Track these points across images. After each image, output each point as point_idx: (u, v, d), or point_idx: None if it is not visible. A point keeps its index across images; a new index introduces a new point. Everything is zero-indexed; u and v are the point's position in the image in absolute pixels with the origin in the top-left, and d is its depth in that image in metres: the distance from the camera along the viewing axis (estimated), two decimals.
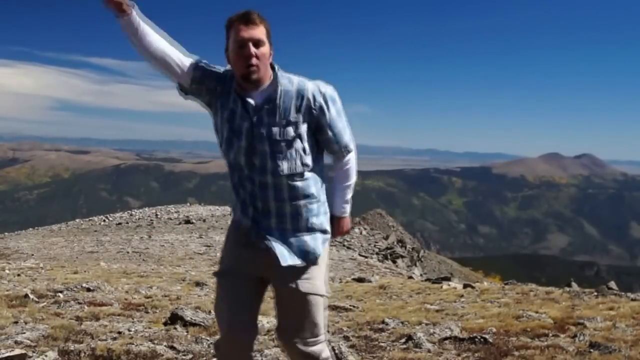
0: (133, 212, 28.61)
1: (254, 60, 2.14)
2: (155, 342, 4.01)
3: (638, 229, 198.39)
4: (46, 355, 3.43)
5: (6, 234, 24.11)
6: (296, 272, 2.25)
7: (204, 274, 10.02)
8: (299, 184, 2.25)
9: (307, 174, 2.26)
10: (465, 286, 8.84)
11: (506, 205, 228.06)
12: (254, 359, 2.47)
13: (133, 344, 3.87)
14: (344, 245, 20.02)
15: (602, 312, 5.50)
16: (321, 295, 2.30)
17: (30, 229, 25.92)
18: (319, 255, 2.30)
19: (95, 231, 22.53)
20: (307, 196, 2.27)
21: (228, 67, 2.26)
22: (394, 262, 19.87)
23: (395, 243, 23.60)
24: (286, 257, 2.21)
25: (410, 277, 14.31)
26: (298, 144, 2.22)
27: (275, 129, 2.19)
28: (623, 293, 7.17)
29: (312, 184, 2.29)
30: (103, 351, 3.61)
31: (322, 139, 2.29)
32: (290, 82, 2.22)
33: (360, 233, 23.20)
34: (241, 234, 2.29)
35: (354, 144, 2.37)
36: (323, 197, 2.34)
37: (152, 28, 2.24)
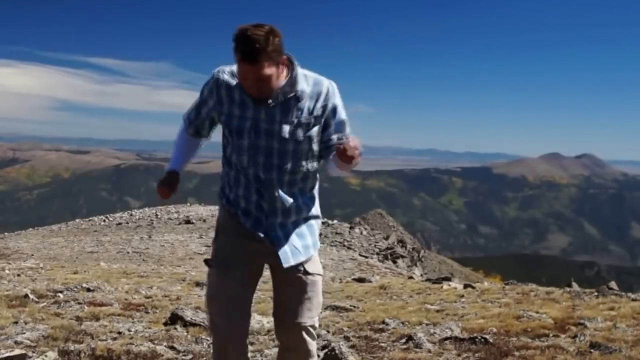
0: (133, 212, 28.59)
1: (262, 94, 2.15)
2: (155, 342, 4.01)
3: (638, 229, 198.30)
4: (46, 356, 3.42)
5: (6, 234, 24.10)
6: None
7: (204, 274, 10.00)
8: (303, 182, 2.30)
9: (310, 173, 2.31)
10: (465, 286, 8.83)
11: (507, 205, 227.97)
12: (249, 354, 2.48)
13: (133, 344, 3.86)
14: (344, 246, 20.02)
15: (602, 312, 5.49)
16: (322, 276, 2.40)
17: (30, 229, 25.90)
18: (318, 247, 2.40)
19: (95, 231, 22.52)
20: (310, 193, 2.36)
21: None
22: (395, 262, 19.86)
23: (395, 243, 23.59)
24: (289, 259, 2.27)
25: (411, 277, 14.30)
26: (306, 145, 2.24)
27: (286, 128, 2.19)
28: (623, 293, 7.16)
29: (314, 181, 2.37)
30: (103, 351, 3.61)
31: (325, 139, 2.31)
32: (306, 80, 2.22)
33: (361, 233, 23.19)
34: (238, 224, 2.32)
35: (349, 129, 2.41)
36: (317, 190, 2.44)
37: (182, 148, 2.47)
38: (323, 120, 2.25)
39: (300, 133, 2.21)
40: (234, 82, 2.22)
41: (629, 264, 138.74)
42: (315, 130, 2.24)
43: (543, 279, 41.53)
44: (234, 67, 2.21)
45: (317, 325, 2.39)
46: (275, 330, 2.46)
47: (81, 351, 3.59)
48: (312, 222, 2.38)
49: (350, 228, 23.84)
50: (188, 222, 23.36)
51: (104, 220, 26.11)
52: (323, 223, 23.44)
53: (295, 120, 2.19)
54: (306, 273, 2.31)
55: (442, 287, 8.61)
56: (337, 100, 2.27)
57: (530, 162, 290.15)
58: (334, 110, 2.26)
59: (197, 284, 8.14)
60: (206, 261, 2.46)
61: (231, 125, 2.24)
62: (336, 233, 22.09)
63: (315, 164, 2.31)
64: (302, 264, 2.30)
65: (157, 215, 26.27)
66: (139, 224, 23.97)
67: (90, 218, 28.00)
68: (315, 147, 2.27)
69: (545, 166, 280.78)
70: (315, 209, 2.40)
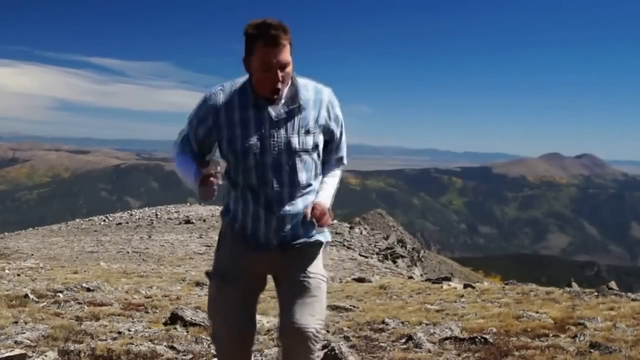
0: (133, 212, 28.59)
1: (280, 85, 2.10)
2: (155, 342, 4.01)
3: (638, 229, 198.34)
4: (46, 355, 3.42)
5: (6, 234, 24.10)
6: (304, 261, 2.27)
7: (204, 274, 10.01)
8: (312, 194, 2.26)
9: (316, 183, 2.29)
10: (465, 286, 8.83)
11: (506, 205, 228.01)
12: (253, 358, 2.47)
13: (133, 344, 3.86)
14: (344, 245, 20.01)
15: (602, 312, 5.49)
16: (327, 280, 2.35)
17: (30, 228, 25.90)
18: (326, 239, 2.33)
19: (95, 231, 22.52)
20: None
21: (238, 79, 2.20)
22: (394, 262, 19.85)
23: (395, 243, 23.59)
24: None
25: (411, 277, 14.29)
26: (315, 154, 2.23)
27: (295, 139, 2.16)
28: (623, 293, 7.16)
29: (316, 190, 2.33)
30: (103, 351, 3.61)
31: (326, 148, 2.30)
32: (306, 89, 2.20)
33: (361, 233, 23.19)
34: (239, 236, 2.27)
35: (347, 160, 2.42)
36: None
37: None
38: (328, 129, 2.26)
39: (309, 142, 2.18)
40: (231, 100, 2.17)
41: (629, 264, 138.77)
42: (321, 138, 2.23)
43: (543, 279, 41.59)
44: (226, 84, 2.19)
45: (321, 329, 2.29)
46: (278, 334, 2.41)
47: (81, 351, 3.59)
48: (325, 230, 2.35)
49: (350, 228, 23.84)
50: (188, 222, 23.36)
51: (104, 220, 26.11)
52: None
53: (302, 131, 2.17)
54: (309, 276, 2.26)
55: (442, 287, 8.61)
56: (337, 108, 2.29)
57: (530, 162, 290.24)
58: (336, 118, 2.28)
59: (197, 284, 8.14)
60: (207, 273, 2.44)
61: (235, 148, 2.17)
62: (336, 233, 22.08)
63: (320, 173, 2.31)
64: (306, 269, 2.26)
65: (157, 215, 26.27)
66: (139, 224, 23.97)
67: (90, 218, 28.00)
68: (321, 156, 2.27)
69: (545, 166, 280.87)
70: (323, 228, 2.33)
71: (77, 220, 28.01)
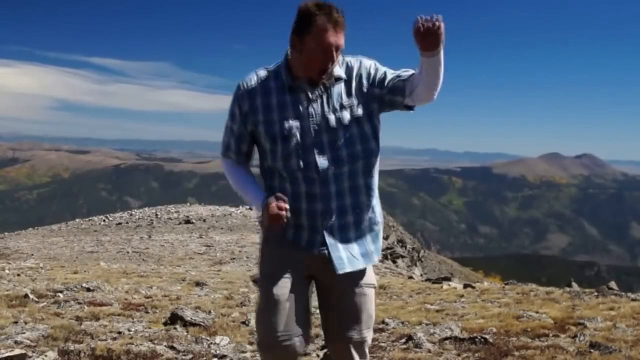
0: (133, 212, 28.58)
1: (330, 66, 2.09)
2: (155, 342, 4.01)
3: (638, 229, 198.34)
4: (46, 355, 3.42)
5: (6, 233, 24.08)
6: (355, 272, 2.19)
7: (204, 274, 10.02)
8: (363, 175, 2.17)
9: (368, 162, 2.19)
10: (465, 286, 8.83)
11: (506, 205, 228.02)
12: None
13: (133, 344, 3.87)
14: None
15: (602, 312, 5.49)
16: (375, 286, 2.27)
17: (30, 228, 25.88)
18: (379, 254, 2.26)
19: (95, 231, 22.51)
20: (368, 190, 2.21)
21: (269, 66, 2.19)
22: (394, 262, 19.86)
23: (395, 243, 23.60)
24: (344, 265, 2.14)
25: (411, 277, 14.29)
26: (355, 129, 2.15)
27: (332, 117, 2.12)
28: (623, 293, 7.16)
29: (372, 175, 2.22)
30: (103, 351, 3.61)
31: (390, 88, 2.14)
32: (340, 65, 2.16)
33: None
34: (281, 235, 2.18)
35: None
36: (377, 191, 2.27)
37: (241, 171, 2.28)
38: (368, 88, 2.16)
39: (346, 117, 2.12)
40: (267, 83, 2.15)
41: (629, 264, 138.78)
42: (361, 111, 2.14)
43: (543, 279, 41.58)
44: (259, 70, 2.18)
45: (369, 340, 2.22)
46: (326, 343, 2.37)
47: (81, 351, 3.59)
48: (375, 226, 2.24)
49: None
50: (188, 222, 23.36)
51: (104, 220, 26.10)
52: None
53: (338, 106, 2.12)
54: (356, 284, 2.17)
55: (442, 287, 8.61)
56: (369, 64, 2.18)
57: (530, 162, 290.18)
58: (369, 70, 2.17)
59: (197, 284, 8.14)
60: (254, 281, 2.40)
61: (273, 131, 2.13)
62: None
63: (374, 149, 2.19)
64: (354, 273, 2.16)
65: (157, 215, 26.27)
66: (139, 224, 23.96)
67: (90, 218, 27.99)
68: (368, 131, 2.17)
69: (545, 166, 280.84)
70: (377, 209, 2.25)
71: (77, 220, 27.99)
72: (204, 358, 3.68)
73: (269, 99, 2.14)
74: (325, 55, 2.05)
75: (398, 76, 2.14)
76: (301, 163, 2.11)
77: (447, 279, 11.66)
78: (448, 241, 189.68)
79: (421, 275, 19.33)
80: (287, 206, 2.07)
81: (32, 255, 14.97)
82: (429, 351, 3.98)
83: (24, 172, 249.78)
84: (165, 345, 3.90)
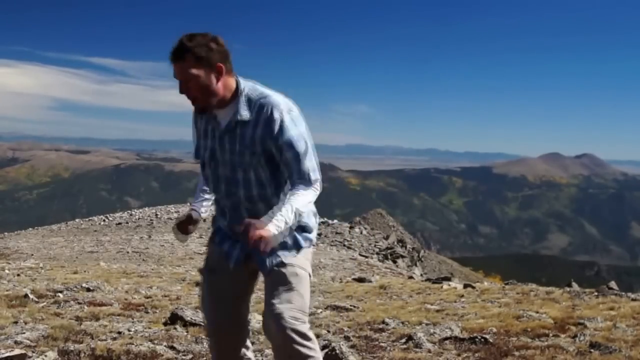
0: (133, 212, 28.57)
1: (191, 96, 2.15)
2: (155, 342, 4.01)
3: (638, 229, 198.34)
4: (46, 355, 3.42)
5: (6, 233, 24.09)
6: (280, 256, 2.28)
7: (198, 271, 10.01)
8: (268, 208, 2.16)
9: (272, 199, 2.22)
10: (465, 286, 8.84)
11: (506, 205, 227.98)
12: (246, 357, 2.44)
13: (133, 344, 3.86)
14: (344, 245, 20.02)
15: (602, 312, 5.49)
16: (305, 270, 2.27)
17: (30, 228, 25.89)
18: (307, 244, 2.30)
19: (95, 231, 22.51)
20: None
21: None
22: (395, 262, 19.86)
23: (395, 243, 23.60)
24: (265, 264, 2.25)
25: (411, 277, 14.30)
26: (255, 174, 2.19)
27: (235, 156, 2.19)
28: (623, 293, 7.16)
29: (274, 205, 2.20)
30: (103, 351, 3.60)
31: (282, 164, 2.18)
32: (250, 105, 2.14)
33: (361, 233, 23.19)
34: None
35: (317, 177, 2.17)
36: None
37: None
38: (270, 151, 2.15)
39: (246, 160, 2.16)
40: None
41: (629, 263, 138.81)
42: (262, 158, 2.16)
43: (543, 279, 41.56)
44: None
45: (300, 319, 2.17)
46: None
47: (81, 351, 3.59)
48: (298, 235, 2.29)
49: (350, 228, 23.83)
50: None
51: (104, 220, 26.10)
52: (323, 223, 23.45)
53: (238, 148, 2.16)
54: (283, 265, 2.22)
55: (442, 287, 8.61)
56: (287, 130, 2.10)
57: (530, 162, 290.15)
58: (282, 140, 2.11)
59: (197, 284, 8.13)
60: (199, 270, 2.51)
61: (200, 156, 2.32)
62: (336, 233, 22.09)
63: (269, 192, 2.22)
64: (284, 259, 2.24)
65: (157, 215, 26.27)
66: (139, 224, 23.96)
67: (90, 218, 27.99)
68: (265, 174, 2.19)
69: (545, 166, 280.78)
70: (305, 224, 2.29)
71: (77, 220, 27.99)
72: (204, 358, 3.68)
73: (202, 124, 2.34)
74: (186, 89, 2.14)
75: (287, 169, 2.17)
76: (216, 190, 2.38)
77: (447, 279, 11.67)
78: (448, 241, 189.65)
79: (421, 275, 19.34)
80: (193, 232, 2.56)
81: (32, 255, 14.97)
82: (429, 351, 3.98)
83: (24, 172, 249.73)
84: (165, 345, 3.90)
